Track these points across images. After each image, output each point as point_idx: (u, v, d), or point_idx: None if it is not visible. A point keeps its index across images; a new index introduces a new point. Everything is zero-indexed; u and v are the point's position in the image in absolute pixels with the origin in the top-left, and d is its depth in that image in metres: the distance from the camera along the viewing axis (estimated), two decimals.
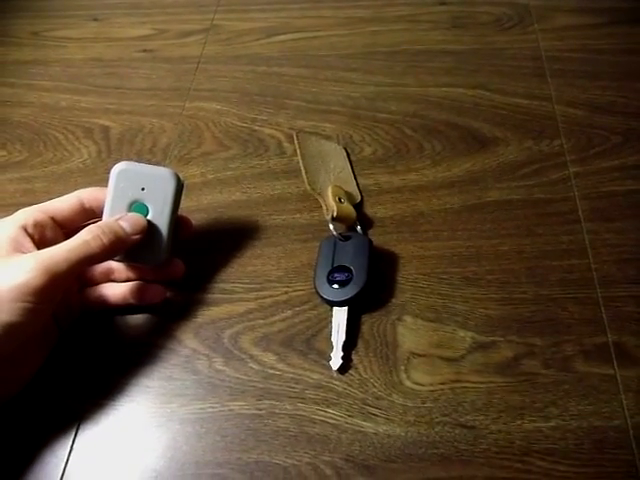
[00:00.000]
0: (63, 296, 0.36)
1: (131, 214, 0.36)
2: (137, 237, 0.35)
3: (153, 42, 0.59)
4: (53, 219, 0.36)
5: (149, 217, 0.37)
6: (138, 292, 0.38)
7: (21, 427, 0.35)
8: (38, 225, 0.34)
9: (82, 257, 0.32)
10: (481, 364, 0.36)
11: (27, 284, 0.30)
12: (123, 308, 0.39)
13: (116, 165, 0.37)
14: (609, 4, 0.59)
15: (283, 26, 0.59)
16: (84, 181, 0.47)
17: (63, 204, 0.36)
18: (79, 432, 0.34)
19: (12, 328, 0.30)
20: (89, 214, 0.37)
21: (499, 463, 0.32)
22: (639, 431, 0.32)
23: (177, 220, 0.38)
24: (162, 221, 0.37)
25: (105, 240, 0.33)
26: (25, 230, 0.34)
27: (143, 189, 0.36)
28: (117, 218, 0.35)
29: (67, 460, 0.33)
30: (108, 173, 0.37)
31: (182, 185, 0.38)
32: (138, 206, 0.36)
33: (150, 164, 0.38)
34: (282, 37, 0.58)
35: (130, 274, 0.38)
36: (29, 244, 0.33)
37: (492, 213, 0.43)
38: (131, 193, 0.36)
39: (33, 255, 0.31)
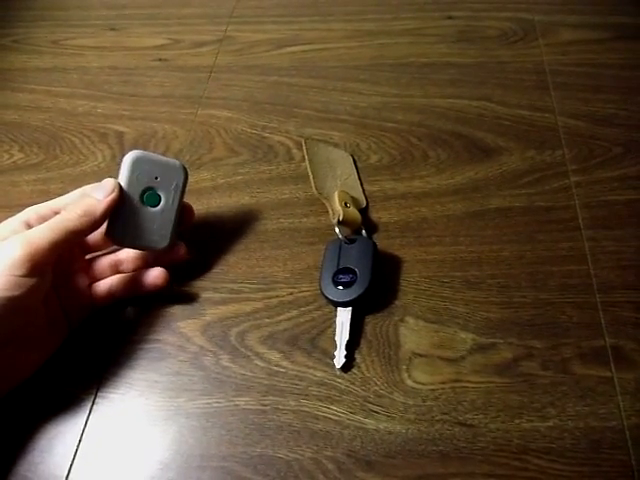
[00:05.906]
0: (73, 292, 0.38)
1: (103, 181, 0.37)
2: (112, 197, 0.36)
3: (168, 51, 0.61)
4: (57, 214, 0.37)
5: (161, 205, 0.38)
6: (142, 278, 0.39)
7: (32, 416, 0.36)
8: (40, 219, 0.36)
9: (61, 228, 0.34)
10: (481, 365, 0.36)
11: (11, 256, 0.32)
12: (134, 304, 0.40)
13: (129, 153, 0.38)
14: (613, 20, 0.60)
15: (294, 38, 0.61)
16: None
17: (69, 200, 0.37)
18: (88, 423, 0.35)
19: (6, 301, 0.31)
20: None
21: (497, 461, 0.33)
22: (635, 432, 0.33)
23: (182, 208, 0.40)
24: (171, 209, 0.39)
25: (79, 210, 0.35)
26: (28, 225, 0.35)
27: (157, 178, 0.38)
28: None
29: (76, 450, 0.34)
30: None
31: (188, 176, 0.40)
32: (150, 194, 0.38)
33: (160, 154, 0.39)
34: (292, 48, 0.60)
35: (137, 264, 0.40)
36: None
37: (494, 220, 0.44)
38: (145, 181, 0.38)
39: (18, 234, 0.33)
